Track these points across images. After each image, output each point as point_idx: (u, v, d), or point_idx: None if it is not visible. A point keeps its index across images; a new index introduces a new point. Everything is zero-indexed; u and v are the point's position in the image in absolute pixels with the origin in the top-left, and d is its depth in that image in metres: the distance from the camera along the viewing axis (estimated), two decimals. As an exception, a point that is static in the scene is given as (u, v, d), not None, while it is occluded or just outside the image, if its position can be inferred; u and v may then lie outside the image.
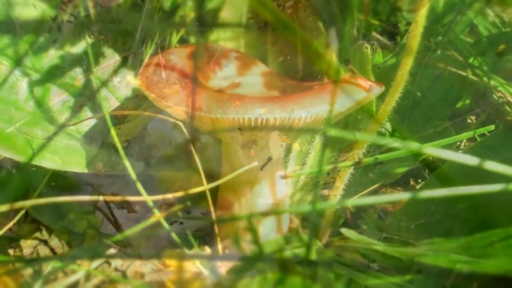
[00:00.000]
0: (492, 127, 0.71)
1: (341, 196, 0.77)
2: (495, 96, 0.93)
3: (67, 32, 0.86)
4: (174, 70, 0.73)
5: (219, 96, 0.66)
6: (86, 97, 0.85)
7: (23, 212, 0.71)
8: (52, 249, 0.71)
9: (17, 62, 0.81)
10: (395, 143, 0.58)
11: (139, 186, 0.65)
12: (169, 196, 0.65)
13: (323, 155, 0.56)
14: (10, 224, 0.69)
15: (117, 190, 0.84)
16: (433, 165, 0.85)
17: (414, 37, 0.64)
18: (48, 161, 0.75)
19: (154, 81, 0.71)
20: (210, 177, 0.69)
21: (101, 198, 0.69)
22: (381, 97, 0.71)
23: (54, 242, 0.72)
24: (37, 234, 0.73)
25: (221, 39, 0.90)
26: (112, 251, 0.64)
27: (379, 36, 1.04)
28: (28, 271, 0.59)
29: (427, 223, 0.75)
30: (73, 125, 0.82)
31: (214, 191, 0.76)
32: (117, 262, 0.60)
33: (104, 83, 0.85)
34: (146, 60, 0.86)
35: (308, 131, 0.77)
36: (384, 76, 0.73)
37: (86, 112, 0.84)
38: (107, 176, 0.83)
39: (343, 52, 0.72)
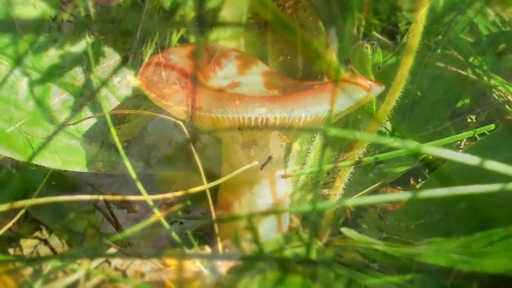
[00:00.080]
0: (492, 126, 0.71)
1: (341, 196, 0.77)
2: (495, 96, 0.93)
3: (67, 31, 0.86)
4: (174, 69, 0.73)
5: (219, 95, 0.66)
6: (86, 96, 0.85)
7: (23, 211, 0.71)
8: (52, 249, 0.71)
9: (17, 61, 0.81)
10: (395, 142, 0.58)
11: (139, 185, 0.65)
12: (169, 195, 0.65)
13: (323, 154, 0.56)
14: (10, 224, 0.69)
15: (117, 190, 0.85)
16: (433, 165, 0.85)
17: (414, 37, 0.64)
18: (48, 161, 0.75)
19: (154, 81, 0.71)
20: (210, 177, 0.69)
21: (101, 197, 0.69)
22: (381, 97, 0.71)
23: (54, 241, 0.72)
24: (37, 234, 0.73)
25: (221, 38, 0.90)
26: (112, 250, 0.64)
27: (379, 36, 1.04)
28: (28, 271, 0.59)
29: (427, 223, 0.75)
30: (73, 124, 0.82)
31: (214, 191, 0.76)
32: (117, 262, 0.60)
33: (104, 83, 0.85)
34: (146, 59, 0.86)
35: (308, 130, 0.77)
36: (384, 75, 0.73)
37: (86, 112, 0.84)
38: (107, 176, 0.83)
39: (343, 52, 0.72)
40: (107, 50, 0.87)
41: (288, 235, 0.68)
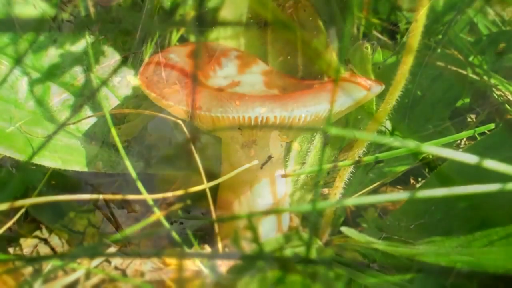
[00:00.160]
0: (492, 125, 0.71)
1: (341, 195, 0.77)
2: (495, 95, 0.93)
3: (67, 31, 0.86)
4: (174, 69, 0.73)
5: (219, 95, 0.66)
6: (86, 96, 0.85)
7: (23, 211, 0.71)
8: (52, 248, 0.71)
9: (17, 61, 0.81)
10: (395, 142, 0.58)
11: (139, 184, 0.65)
12: (169, 195, 0.65)
13: (323, 154, 0.56)
14: (10, 223, 0.69)
15: (117, 189, 0.85)
16: (433, 164, 0.85)
17: (414, 36, 0.64)
18: (48, 160, 0.75)
19: (154, 81, 0.71)
20: (210, 177, 0.69)
21: (101, 197, 0.69)
22: (381, 96, 0.71)
23: (54, 241, 0.72)
24: (37, 233, 0.73)
25: (221, 38, 0.90)
26: (112, 249, 0.64)
27: (379, 35, 1.04)
28: (28, 270, 0.59)
29: (427, 222, 0.75)
30: (73, 124, 0.82)
31: (214, 191, 0.76)
32: (117, 261, 0.60)
33: (104, 82, 0.85)
34: (146, 59, 0.86)
35: (308, 130, 0.77)
36: (384, 75, 0.73)
37: (86, 111, 0.84)
38: (107, 175, 0.83)
39: (343, 52, 0.72)
40: (107, 50, 0.87)
41: (288, 235, 0.68)
